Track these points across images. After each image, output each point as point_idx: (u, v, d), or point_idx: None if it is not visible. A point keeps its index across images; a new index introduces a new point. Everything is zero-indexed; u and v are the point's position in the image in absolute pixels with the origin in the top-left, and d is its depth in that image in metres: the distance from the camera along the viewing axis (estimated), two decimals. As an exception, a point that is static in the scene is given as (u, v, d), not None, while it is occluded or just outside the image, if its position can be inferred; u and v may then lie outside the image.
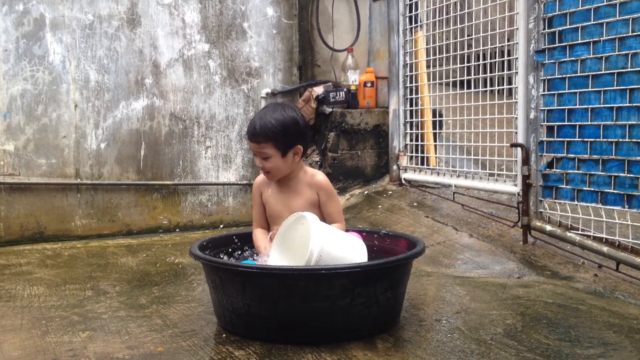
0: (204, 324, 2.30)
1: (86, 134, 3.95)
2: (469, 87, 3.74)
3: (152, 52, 4.09)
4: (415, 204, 3.94)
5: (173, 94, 4.16)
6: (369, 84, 4.49)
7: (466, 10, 3.77)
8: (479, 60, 3.60)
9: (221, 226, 4.30)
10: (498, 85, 3.51)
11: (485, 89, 3.60)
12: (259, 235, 2.51)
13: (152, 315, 2.42)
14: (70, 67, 3.89)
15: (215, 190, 4.32)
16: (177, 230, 4.19)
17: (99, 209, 4.00)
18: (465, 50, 3.73)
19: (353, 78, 4.47)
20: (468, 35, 3.71)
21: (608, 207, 2.78)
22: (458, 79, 3.82)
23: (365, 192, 4.33)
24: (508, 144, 3.36)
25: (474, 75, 3.67)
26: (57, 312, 2.47)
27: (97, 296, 2.71)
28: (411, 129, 4.23)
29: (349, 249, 2.20)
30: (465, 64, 3.75)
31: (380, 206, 4.04)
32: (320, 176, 2.47)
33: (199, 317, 2.38)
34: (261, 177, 2.52)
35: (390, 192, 4.22)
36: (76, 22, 3.89)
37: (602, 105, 2.79)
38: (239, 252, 2.53)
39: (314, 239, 2.09)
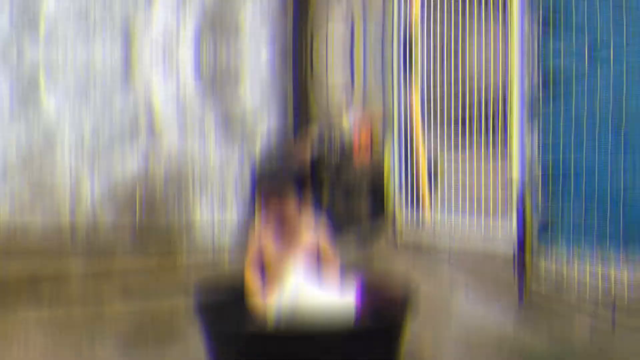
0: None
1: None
2: (463, 149, 3.79)
3: (149, 98, 4.13)
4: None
5: (169, 138, 4.19)
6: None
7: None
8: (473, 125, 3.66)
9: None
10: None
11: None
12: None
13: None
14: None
15: (213, 231, 4.34)
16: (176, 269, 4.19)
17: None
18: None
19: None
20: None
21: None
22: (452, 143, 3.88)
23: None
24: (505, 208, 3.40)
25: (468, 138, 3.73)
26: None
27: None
28: (407, 184, 4.24)
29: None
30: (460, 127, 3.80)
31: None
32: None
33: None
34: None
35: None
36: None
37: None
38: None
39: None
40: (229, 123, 4.34)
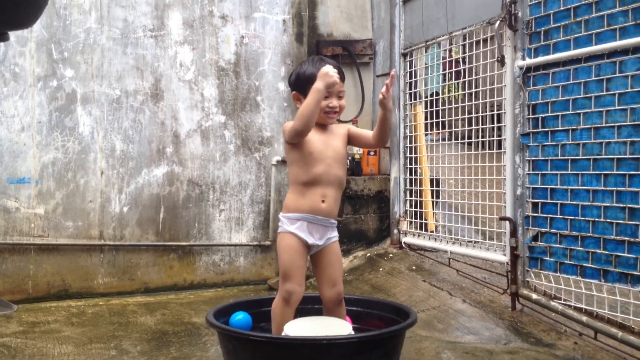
0: (217, 385, 2.57)
1: (110, 199, 4.29)
2: (463, 162, 4.05)
3: (173, 124, 4.45)
4: (414, 267, 4.22)
5: (191, 161, 4.50)
6: (372, 153, 4.83)
7: (460, 92, 4.11)
8: (471, 139, 3.93)
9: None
10: (489, 163, 3.82)
11: (477, 164, 3.90)
12: None
13: (171, 376, 2.69)
14: (98, 138, 4.26)
15: (228, 250, 4.62)
16: (192, 288, 4.48)
17: (119, 268, 4.31)
18: (460, 128, 4.06)
19: (357, 148, 4.80)
20: (462, 115, 4.05)
21: (586, 280, 3.05)
22: (453, 154, 4.14)
23: (368, 255, 4.61)
24: (497, 217, 3.65)
25: (467, 152, 3.98)
26: (85, 372, 2.76)
27: (120, 356, 2.99)
28: (411, 196, 4.54)
29: None
30: (460, 141, 4.07)
31: (381, 269, 4.31)
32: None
33: (213, 379, 2.65)
34: None
35: (391, 255, 4.50)
36: (105, 97, 4.28)
37: (580, 187, 3.09)
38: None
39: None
40: (247, 149, 4.65)
